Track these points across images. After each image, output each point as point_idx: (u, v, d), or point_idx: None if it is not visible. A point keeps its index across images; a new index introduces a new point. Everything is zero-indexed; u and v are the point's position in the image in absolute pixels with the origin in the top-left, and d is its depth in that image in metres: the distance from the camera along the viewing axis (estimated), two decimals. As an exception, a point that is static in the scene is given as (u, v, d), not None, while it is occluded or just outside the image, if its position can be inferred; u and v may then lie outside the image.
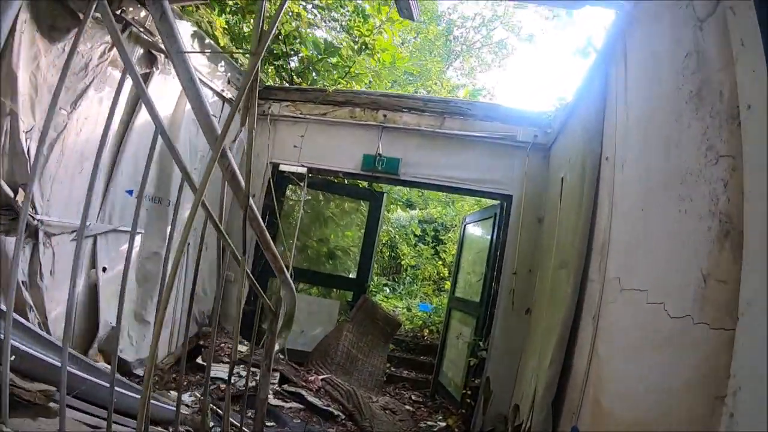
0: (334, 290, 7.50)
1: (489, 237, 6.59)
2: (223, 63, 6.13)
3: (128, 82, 4.29)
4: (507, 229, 6.04)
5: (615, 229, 3.00)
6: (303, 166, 6.65)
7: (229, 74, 6.25)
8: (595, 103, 3.76)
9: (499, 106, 6.45)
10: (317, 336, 6.70)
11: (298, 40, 7.85)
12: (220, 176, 2.81)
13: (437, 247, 14.53)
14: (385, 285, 14.54)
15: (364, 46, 7.76)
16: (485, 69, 18.65)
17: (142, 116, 4.60)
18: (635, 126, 2.91)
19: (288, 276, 3.31)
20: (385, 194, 7.23)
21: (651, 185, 2.52)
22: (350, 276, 7.71)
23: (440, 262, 14.13)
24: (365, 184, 7.66)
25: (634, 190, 2.76)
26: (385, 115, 6.44)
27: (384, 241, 14.24)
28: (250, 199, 2.71)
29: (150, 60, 4.74)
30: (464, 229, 8.12)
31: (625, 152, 3.00)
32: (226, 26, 7.47)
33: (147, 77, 4.68)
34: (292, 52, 7.92)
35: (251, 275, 3.28)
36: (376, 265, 15.30)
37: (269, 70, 8.17)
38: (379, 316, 6.60)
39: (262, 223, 2.89)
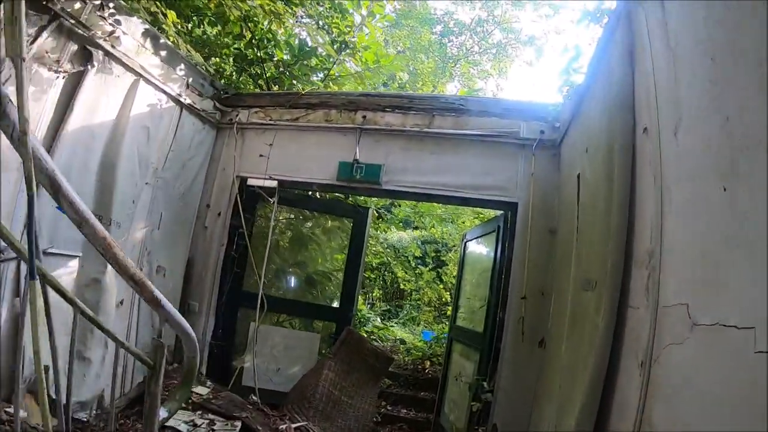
0: (316, 321, 6.51)
1: (492, 255, 5.64)
2: (182, 66, 5.41)
3: (59, 82, 4.00)
4: (513, 244, 5.08)
5: (670, 228, 2.03)
6: (272, 178, 5.76)
7: (190, 78, 5.54)
8: (619, 63, 2.84)
9: (497, 100, 5.70)
10: (296, 375, 5.75)
11: (272, 42, 7.05)
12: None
13: (439, 269, 13.49)
14: (386, 311, 13.56)
15: (343, 45, 6.92)
16: (485, 77, 17.79)
17: (77, 121, 4.13)
18: (692, 68, 1.97)
19: (175, 313, 2.39)
20: (370, 209, 6.29)
21: (728, 156, 1.58)
22: (333, 305, 6.74)
23: (441, 286, 13.06)
24: (354, 198, 6.78)
25: (698, 167, 1.83)
26: (364, 117, 5.56)
27: (380, 265, 13.25)
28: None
29: (85, 57, 4.22)
30: (464, 247, 7.17)
31: (677, 113, 2.05)
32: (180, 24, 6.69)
33: (80, 76, 4.18)
34: (267, 56, 7.10)
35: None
36: (377, 291, 14.41)
37: (243, 79, 7.40)
38: (367, 350, 5.62)
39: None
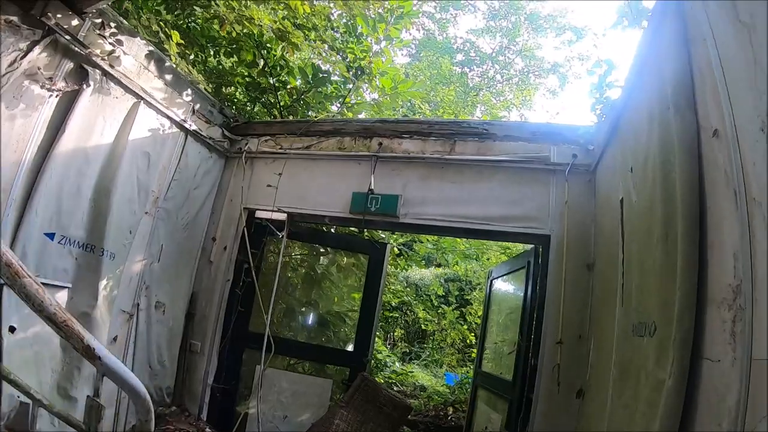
0: (327, 366, 5.97)
1: (522, 294, 5.11)
2: (189, 91, 5.17)
3: (52, 100, 3.79)
4: (545, 281, 4.54)
5: (762, 256, 1.53)
6: (281, 210, 5.36)
7: (197, 105, 5.30)
8: (671, 57, 2.38)
9: (523, 123, 5.23)
10: (304, 423, 5.21)
11: (285, 70, 6.77)
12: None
13: (462, 309, 12.83)
14: (407, 353, 12.93)
15: (359, 71, 6.59)
16: (508, 107, 17.33)
17: (70, 142, 3.92)
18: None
19: (118, 367, 1.99)
20: (388, 245, 5.82)
21: None
22: (347, 348, 6.22)
23: (465, 327, 12.34)
24: (371, 233, 6.34)
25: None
26: (380, 144, 5.17)
27: (401, 304, 12.65)
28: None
29: (81, 75, 4.05)
30: (490, 285, 6.65)
31: (762, 105, 1.57)
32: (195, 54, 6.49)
33: (75, 96, 3.99)
34: (280, 84, 6.82)
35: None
36: (399, 330, 13.76)
37: (258, 110, 7.13)
38: (383, 398, 5.08)
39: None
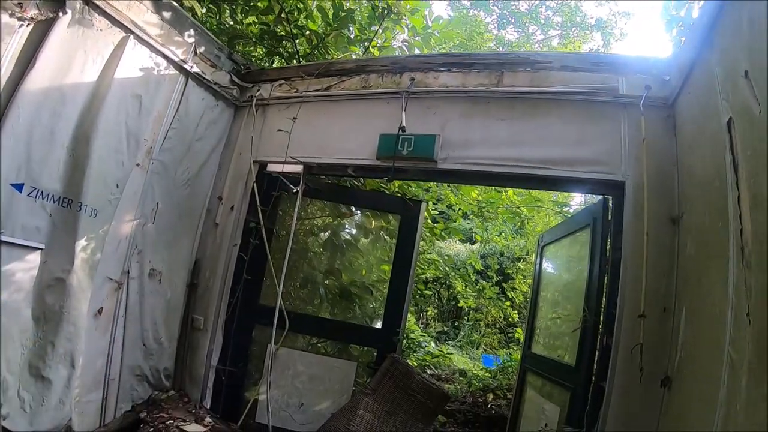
0: (351, 346, 5.15)
1: (587, 259, 4.20)
2: (192, 32, 4.42)
3: (23, 30, 3.22)
4: (620, 240, 3.64)
5: None
6: (298, 161, 4.55)
7: (201, 48, 4.56)
8: None
9: (584, 54, 4.30)
10: (323, 413, 4.43)
11: (303, 13, 5.95)
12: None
13: (503, 284, 11.80)
14: (442, 333, 12.06)
15: (386, 11, 5.70)
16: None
17: (42, 79, 3.32)
18: None
19: None
20: (423, 203, 4.93)
21: None
22: (374, 325, 5.38)
23: (508, 303, 11.31)
24: (403, 188, 5.46)
25: None
26: (412, 79, 4.30)
27: (435, 278, 11.64)
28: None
29: (57, 2, 3.40)
30: (541, 253, 5.72)
31: None
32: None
33: (49, 26, 3.36)
34: (298, 31, 6.00)
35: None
36: (432, 309, 12.81)
37: (275, 64, 6.37)
38: (416, 385, 4.26)
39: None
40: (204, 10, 6.32)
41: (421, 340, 9.68)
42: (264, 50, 6.58)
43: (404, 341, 6.23)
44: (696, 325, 2.89)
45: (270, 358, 4.40)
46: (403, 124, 4.05)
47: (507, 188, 7.26)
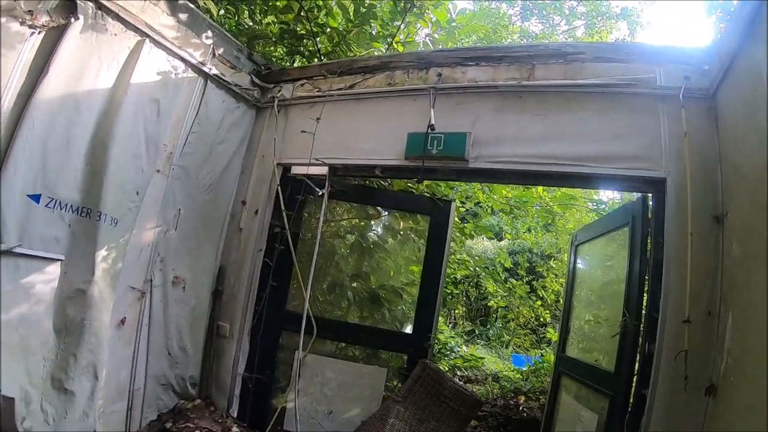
0: (381, 352, 4.98)
1: (625, 259, 4.00)
2: (209, 33, 4.30)
3: (34, 38, 3.14)
4: (662, 240, 3.44)
5: None
6: (323, 163, 4.42)
7: (220, 49, 4.44)
8: None
9: (617, 44, 4.07)
10: (353, 420, 4.32)
11: (323, 11, 5.81)
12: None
13: (533, 283, 11.50)
14: (470, 332, 11.82)
15: (409, 5, 5.53)
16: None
17: (56, 86, 3.21)
18: None
19: None
20: (453, 203, 4.77)
21: None
22: (404, 330, 5.23)
23: (539, 302, 11.02)
24: (432, 189, 5.29)
25: None
26: (439, 74, 4.13)
27: (465, 278, 11.37)
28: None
29: (68, 8, 3.30)
30: (575, 252, 5.50)
31: None
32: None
33: (61, 32, 3.26)
34: (319, 29, 5.87)
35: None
36: (461, 308, 12.56)
37: (296, 63, 6.25)
38: (448, 391, 4.11)
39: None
40: (222, 12, 6.25)
41: (451, 342, 9.39)
42: (284, 50, 6.46)
43: (435, 345, 6.06)
44: (744, 330, 2.69)
45: (298, 364, 4.28)
46: (432, 122, 3.87)
47: (538, 186, 7.02)
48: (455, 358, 9.05)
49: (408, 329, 4.99)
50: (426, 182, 5.19)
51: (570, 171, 3.68)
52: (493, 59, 4.00)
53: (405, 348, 4.56)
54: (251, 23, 6.66)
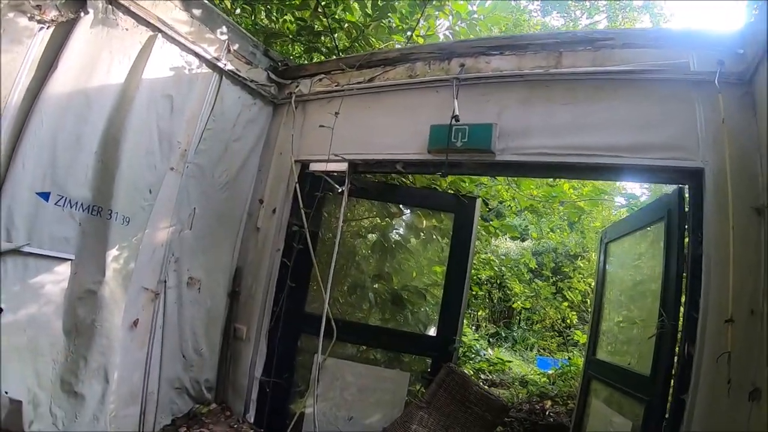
0: (403, 355, 4.79)
1: (661, 256, 3.77)
2: (224, 29, 4.21)
3: (43, 34, 3.08)
4: (700, 234, 3.21)
5: None
6: (342, 159, 4.28)
7: (235, 45, 4.34)
8: None
9: (646, 29, 3.84)
10: (374, 426, 4.15)
11: (341, 5, 5.69)
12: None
13: (559, 283, 11.17)
14: (494, 334, 11.55)
15: (428, -3, 5.38)
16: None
17: (65, 82, 3.13)
18: None
19: None
20: (478, 200, 4.60)
21: None
22: (428, 332, 5.02)
23: (565, 304, 10.67)
24: (456, 184, 5.11)
25: None
26: (462, 65, 3.95)
27: (489, 279, 11.06)
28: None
29: (78, 2, 3.23)
30: (605, 250, 5.26)
31: None
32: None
33: (71, 27, 3.18)
34: (336, 24, 5.75)
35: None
36: (484, 310, 12.25)
37: (314, 57, 6.13)
38: (474, 396, 3.92)
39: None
40: (237, 11, 6.18)
41: (476, 345, 9.08)
42: (302, 48, 6.36)
43: (460, 348, 5.86)
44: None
45: (317, 368, 4.12)
46: (456, 112, 3.68)
47: (564, 180, 6.73)
48: (480, 361, 8.75)
49: (432, 332, 4.79)
50: (450, 179, 5.01)
51: (601, 162, 3.47)
52: (518, 48, 3.81)
53: (429, 351, 4.37)
54: (268, 22, 6.58)
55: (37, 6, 3.00)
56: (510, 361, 9.33)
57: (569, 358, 8.76)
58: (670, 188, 3.79)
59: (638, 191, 9.04)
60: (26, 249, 2.95)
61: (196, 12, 3.97)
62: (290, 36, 6.13)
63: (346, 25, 5.74)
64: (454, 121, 3.69)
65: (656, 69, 3.40)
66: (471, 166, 3.97)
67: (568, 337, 10.26)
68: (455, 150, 3.75)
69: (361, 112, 4.35)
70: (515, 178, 6.65)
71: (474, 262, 6.47)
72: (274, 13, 6.28)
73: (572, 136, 3.50)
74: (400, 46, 4.88)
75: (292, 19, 6.07)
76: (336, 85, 4.52)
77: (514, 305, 11.55)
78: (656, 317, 3.68)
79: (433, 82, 4.02)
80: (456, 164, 3.93)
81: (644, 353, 3.85)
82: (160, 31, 3.71)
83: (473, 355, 8.73)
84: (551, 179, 6.70)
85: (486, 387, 5.09)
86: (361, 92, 4.38)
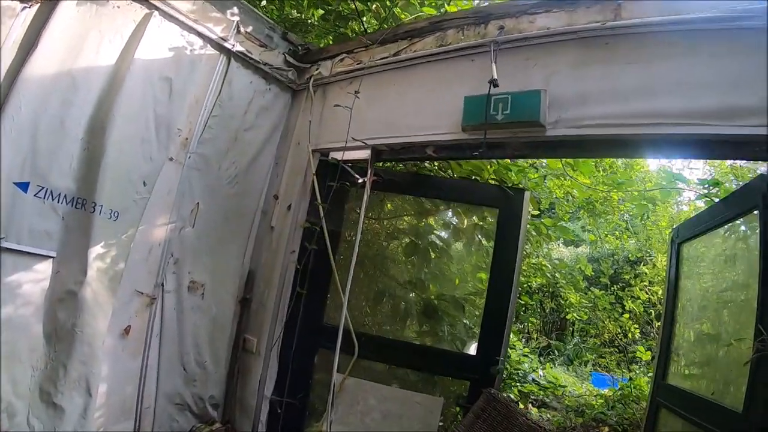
0: (437, 377, 4.16)
1: (758, 257, 2.97)
2: (235, 9, 3.79)
3: (25, 14, 2.86)
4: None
5: None
6: (364, 144, 3.70)
7: (249, 27, 3.94)
8: None
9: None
10: (401, 460, 3.48)
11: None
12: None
13: (618, 292, 10.03)
14: (545, 347, 10.68)
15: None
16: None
17: (48, 61, 2.89)
18: None
19: None
20: (526, 192, 3.89)
21: None
22: (466, 350, 4.31)
23: (626, 315, 9.51)
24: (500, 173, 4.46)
25: None
26: (501, 27, 3.28)
27: (541, 287, 10.11)
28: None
29: None
30: (677, 252, 4.44)
31: None
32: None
33: (55, 2, 2.92)
34: (365, 7, 5.29)
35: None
36: (534, 320, 11.21)
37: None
38: (518, 429, 3.23)
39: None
40: (264, 3, 5.81)
41: (527, 366, 7.99)
42: (330, 39, 5.90)
43: (505, 369, 5.11)
44: None
45: (333, 389, 3.52)
46: (495, 76, 3.02)
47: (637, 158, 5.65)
48: (529, 384, 7.78)
49: (471, 350, 4.11)
50: (492, 167, 4.35)
51: (679, 132, 2.70)
52: (567, 1, 3.12)
53: (467, 373, 3.68)
54: (296, 14, 6.20)
55: (18, -17, 2.74)
56: (564, 386, 8.33)
57: (630, 378, 7.80)
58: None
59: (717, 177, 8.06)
60: (2, 244, 2.70)
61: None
62: (315, 24, 5.68)
63: (375, 5, 5.21)
64: (492, 87, 3.01)
65: (746, 15, 2.65)
66: (516, 145, 3.27)
67: (631, 353, 9.18)
68: (495, 125, 3.06)
69: (386, 90, 3.78)
70: (570, 166, 5.74)
71: (523, 267, 5.71)
72: (305, 10, 5.88)
73: (641, 102, 2.74)
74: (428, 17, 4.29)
75: (322, 11, 5.64)
76: (358, 63, 3.97)
77: (569, 316, 10.58)
78: (748, 334, 2.92)
79: (467, 48, 3.37)
80: (497, 144, 3.25)
81: (733, 381, 3.11)
82: (157, 8, 3.34)
83: (520, 377, 7.72)
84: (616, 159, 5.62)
85: (534, 416, 4.35)
86: (384, 68, 3.80)
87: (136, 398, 3.37)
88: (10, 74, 2.76)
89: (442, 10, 5.05)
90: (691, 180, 5.94)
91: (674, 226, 5.34)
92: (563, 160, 5.39)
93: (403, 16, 5.01)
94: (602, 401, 7.38)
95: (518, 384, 7.16)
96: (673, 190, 5.69)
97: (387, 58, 3.79)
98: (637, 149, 3.14)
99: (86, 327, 2.99)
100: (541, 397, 7.66)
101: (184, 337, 3.62)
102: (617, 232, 10.40)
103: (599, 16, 2.98)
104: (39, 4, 2.86)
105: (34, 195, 2.84)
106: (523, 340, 10.85)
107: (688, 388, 3.92)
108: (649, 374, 7.46)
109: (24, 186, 2.81)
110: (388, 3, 5.09)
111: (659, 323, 5.59)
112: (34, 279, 2.87)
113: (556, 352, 11.07)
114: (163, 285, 3.48)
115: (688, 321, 4.31)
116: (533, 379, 7.84)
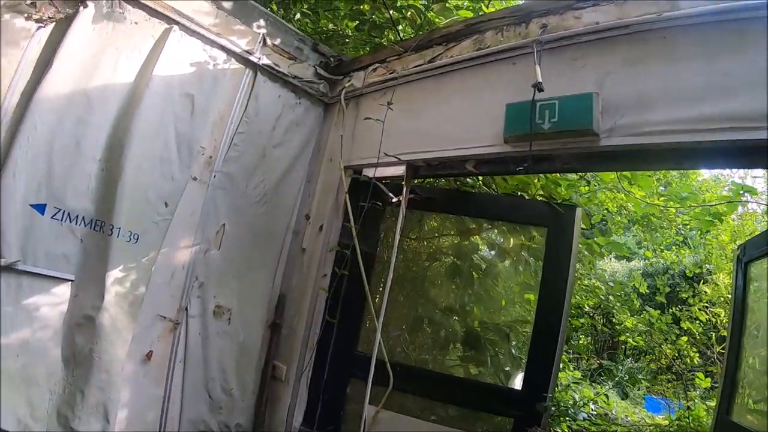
0: (478, 413, 3.71)
1: None
2: (262, 21, 3.75)
3: (41, 33, 2.88)
4: None
5: None
6: (398, 160, 3.45)
7: (277, 40, 3.84)
8: None
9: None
10: None
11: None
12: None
13: (677, 312, 9.13)
14: (595, 370, 10.11)
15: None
16: None
17: (63, 80, 2.86)
18: None
19: None
20: (578, 210, 3.54)
21: None
22: (511, 384, 3.92)
23: (684, 338, 8.66)
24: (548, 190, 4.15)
25: None
26: (544, 25, 2.99)
27: (593, 308, 9.48)
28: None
29: None
30: (744, 270, 4.00)
31: None
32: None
33: (70, 20, 2.91)
34: (400, 15, 5.09)
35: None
36: (584, 338, 10.59)
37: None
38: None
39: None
40: (298, 16, 5.71)
41: (577, 400, 7.17)
42: (368, 50, 5.74)
43: (554, 405, 4.65)
44: None
45: (365, 422, 3.23)
46: (539, 79, 2.72)
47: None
48: (581, 422, 6.97)
49: (516, 382, 3.76)
50: (540, 182, 4.03)
51: (758, 138, 2.31)
52: (614, -7, 2.80)
53: (510, 410, 3.31)
54: (332, 26, 6.09)
55: (33, 4, 2.79)
56: (617, 423, 7.62)
57: (689, 407, 7.12)
58: None
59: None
60: (19, 266, 2.69)
61: (226, 4, 3.49)
62: (351, 35, 5.52)
63: (409, 12, 5.00)
64: (537, 91, 2.70)
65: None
66: (565, 158, 2.94)
67: (689, 381, 8.40)
68: (542, 135, 2.74)
69: (421, 100, 3.53)
70: (626, 179, 5.16)
71: (574, 288, 5.26)
72: (341, 22, 5.85)
73: (710, 104, 2.39)
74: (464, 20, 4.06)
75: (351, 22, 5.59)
76: (391, 73, 3.74)
77: (622, 338, 9.91)
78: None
79: (507, 51, 3.08)
80: (544, 157, 2.94)
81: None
82: (177, 23, 3.27)
83: (572, 413, 6.92)
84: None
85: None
86: (419, 77, 3.56)
87: (158, 424, 3.25)
88: (26, 95, 2.74)
89: (480, 14, 4.82)
90: (755, 190, 5.33)
91: (739, 243, 4.83)
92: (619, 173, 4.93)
93: (437, 20, 4.79)
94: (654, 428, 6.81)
95: (568, 419, 6.49)
96: (739, 203, 5.14)
97: (421, 65, 3.55)
98: (709, 159, 2.75)
99: (104, 353, 2.93)
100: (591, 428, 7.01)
101: (209, 363, 3.48)
102: (674, 247, 9.74)
103: (653, 7, 2.64)
104: (54, 23, 2.86)
105: (51, 217, 2.81)
106: (574, 361, 10.30)
107: (756, 428, 3.44)
108: (708, 402, 6.87)
109: (41, 208, 2.78)
110: (422, 8, 4.87)
111: (720, 348, 5.03)
112: (52, 302, 2.83)
113: (607, 373, 10.48)
114: (187, 309, 3.36)
115: (758, 349, 3.83)
116: (584, 416, 7.11)
